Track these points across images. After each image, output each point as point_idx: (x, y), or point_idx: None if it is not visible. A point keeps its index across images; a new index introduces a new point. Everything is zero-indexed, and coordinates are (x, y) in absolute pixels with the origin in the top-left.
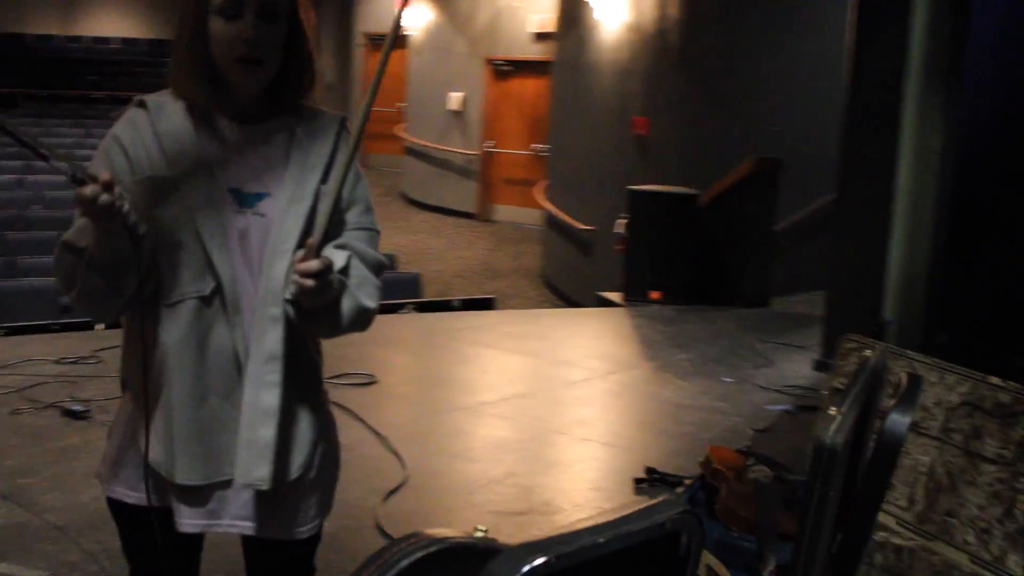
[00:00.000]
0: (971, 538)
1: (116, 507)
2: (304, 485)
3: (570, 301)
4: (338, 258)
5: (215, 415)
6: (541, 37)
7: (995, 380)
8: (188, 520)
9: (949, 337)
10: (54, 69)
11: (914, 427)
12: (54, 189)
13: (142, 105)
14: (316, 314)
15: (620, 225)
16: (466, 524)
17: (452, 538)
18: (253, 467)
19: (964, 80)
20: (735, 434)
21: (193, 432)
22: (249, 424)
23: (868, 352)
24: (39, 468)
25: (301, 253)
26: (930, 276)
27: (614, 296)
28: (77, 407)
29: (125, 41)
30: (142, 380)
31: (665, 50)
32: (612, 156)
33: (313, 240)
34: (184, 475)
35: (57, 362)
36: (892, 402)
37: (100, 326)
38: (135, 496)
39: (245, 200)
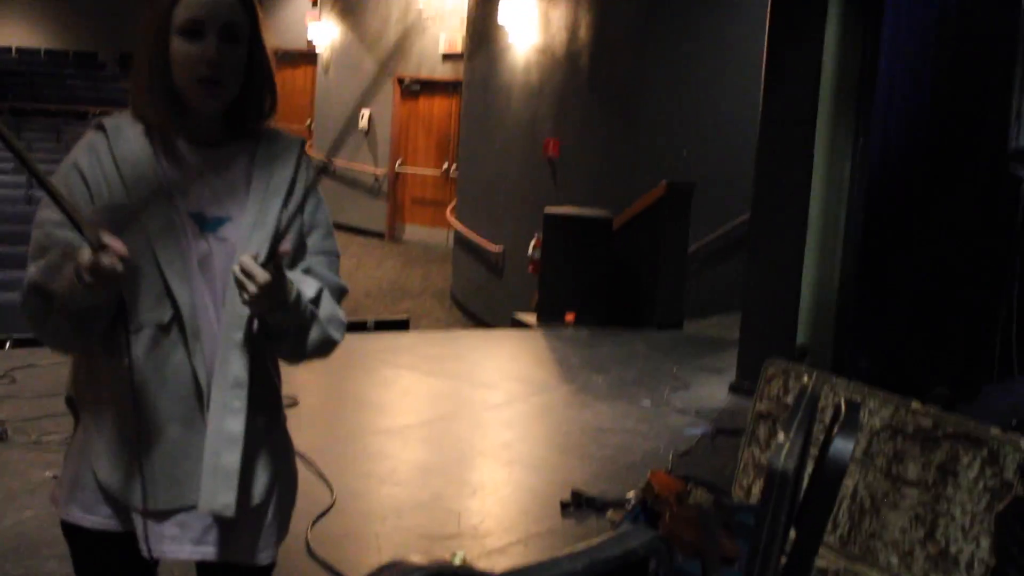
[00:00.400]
0: (894, 560)
1: (71, 530)
2: (265, 510)
3: (480, 321)
4: (309, 288)
5: (175, 442)
6: (450, 57)
7: (916, 404)
8: (151, 545)
9: (869, 362)
10: None
11: None
12: None
13: (100, 128)
14: (283, 336)
15: (533, 246)
16: (398, 548)
17: (432, 564)
18: (218, 494)
19: (873, 109)
20: (656, 457)
21: (153, 458)
22: (213, 451)
23: (804, 378)
24: None
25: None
26: (842, 300)
27: (528, 318)
28: None
29: (20, 51)
30: (100, 405)
31: (576, 72)
32: (523, 177)
33: (255, 253)
34: (143, 501)
35: None
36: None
37: (7, 344)
38: (92, 519)
39: (207, 225)
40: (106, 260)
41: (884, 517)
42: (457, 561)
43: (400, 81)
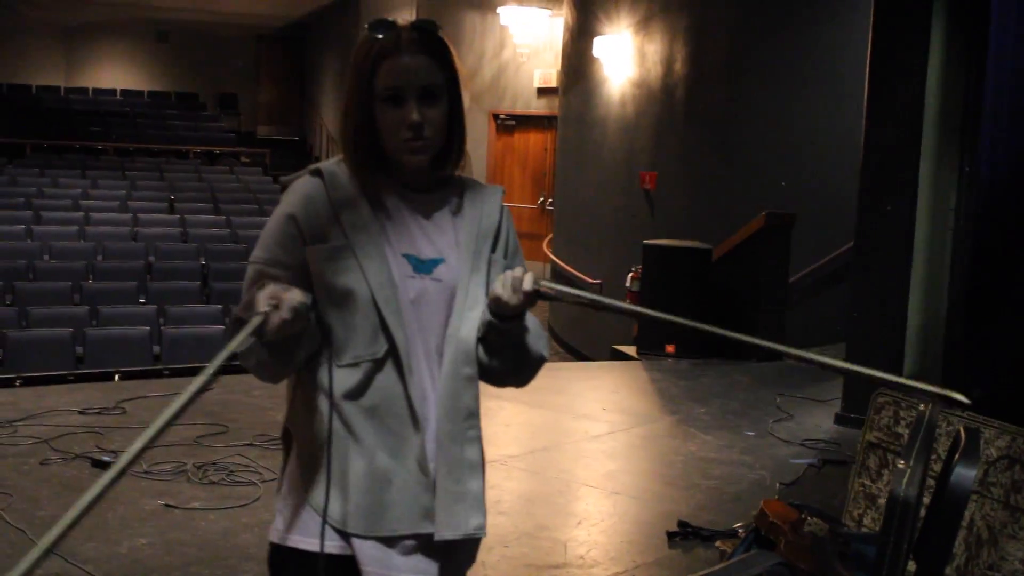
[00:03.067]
0: None
1: (289, 556)
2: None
3: (579, 354)
4: None
5: (383, 471)
6: (545, 92)
7: None
8: (370, 568)
9: (982, 392)
10: (59, 120)
11: None
12: (61, 239)
13: (318, 174)
14: (503, 344)
15: (630, 279)
16: None
17: None
18: (470, 518)
19: (980, 137)
20: (762, 488)
21: (362, 486)
22: (456, 478)
23: (920, 406)
24: None
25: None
26: (950, 329)
27: (628, 350)
28: (106, 458)
29: (125, 92)
30: (315, 435)
31: (672, 105)
32: (620, 210)
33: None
34: (353, 526)
35: (81, 412)
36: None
37: (117, 377)
38: (307, 542)
39: (422, 266)
40: (272, 324)
41: (1003, 548)
42: None
43: (495, 116)
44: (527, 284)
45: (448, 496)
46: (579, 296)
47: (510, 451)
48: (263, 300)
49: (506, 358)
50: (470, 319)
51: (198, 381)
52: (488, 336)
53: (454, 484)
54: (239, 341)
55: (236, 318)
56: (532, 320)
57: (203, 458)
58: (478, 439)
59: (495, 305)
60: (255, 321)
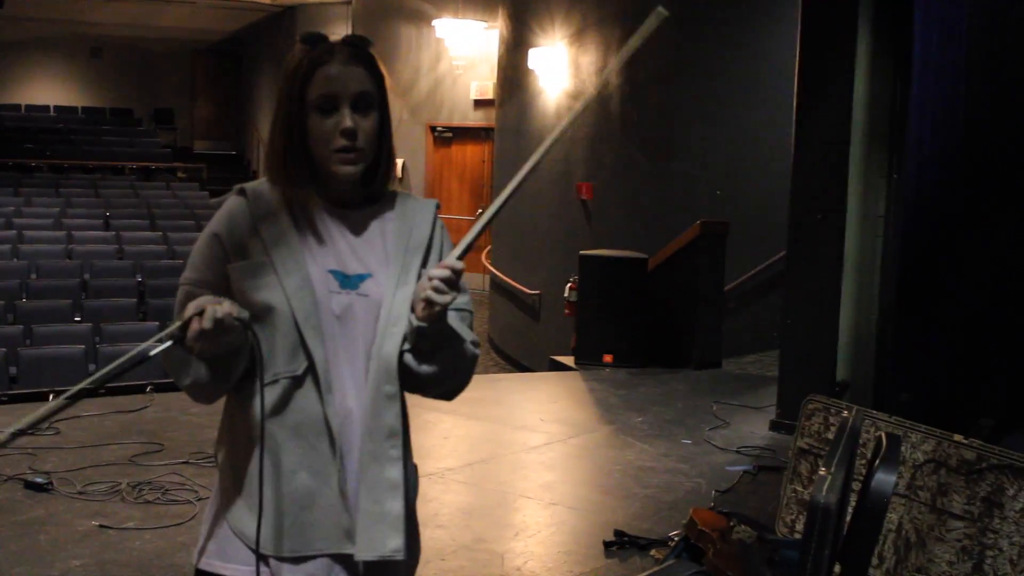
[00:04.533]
0: None
1: None
2: (410, 553)
3: (518, 365)
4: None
5: (304, 490)
6: (482, 104)
7: (959, 437)
8: None
9: (911, 396)
10: None
11: None
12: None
13: (242, 193)
14: (434, 348)
15: (568, 289)
16: None
17: None
18: (387, 539)
19: (906, 145)
20: (698, 495)
21: (283, 507)
22: (375, 499)
23: (844, 413)
24: (4, 542)
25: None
26: (881, 336)
27: (567, 360)
28: (39, 479)
29: (59, 109)
30: (237, 455)
31: (607, 116)
32: (558, 221)
33: (450, 257)
34: (271, 547)
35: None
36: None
37: (51, 397)
38: (229, 568)
39: (348, 282)
40: (192, 331)
41: (931, 550)
42: None
43: (433, 129)
44: (446, 271)
45: (367, 517)
46: (476, 233)
47: (448, 464)
48: (191, 308)
49: (443, 359)
50: (393, 335)
51: (102, 372)
52: (419, 344)
53: (373, 504)
54: (154, 343)
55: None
56: (459, 324)
57: (138, 477)
58: (400, 459)
59: (427, 310)
60: (173, 326)
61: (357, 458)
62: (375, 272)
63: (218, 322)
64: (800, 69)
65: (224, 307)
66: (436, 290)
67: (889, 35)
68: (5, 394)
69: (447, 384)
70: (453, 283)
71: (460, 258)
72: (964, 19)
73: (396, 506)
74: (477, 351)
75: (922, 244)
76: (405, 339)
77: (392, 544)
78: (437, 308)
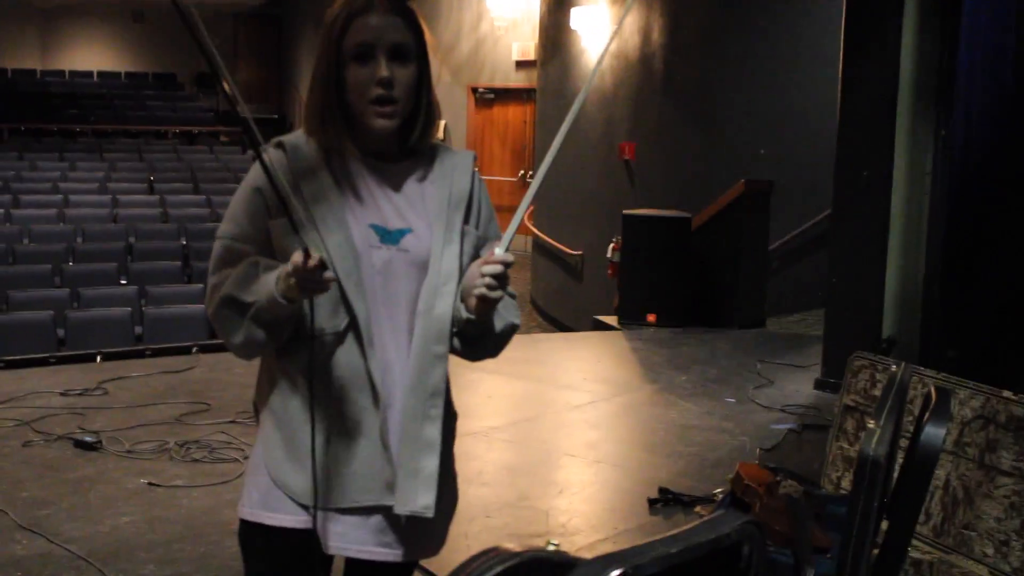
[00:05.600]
0: (990, 550)
1: (252, 529)
2: (446, 512)
3: (561, 326)
4: None
5: (346, 444)
6: (523, 65)
7: (1008, 394)
8: (336, 544)
9: (958, 353)
10: (36, 103)
11: None
12: (40, 223)
13: (280, 146)
14: (479, 336)
15: (611, 250)
16: (484, 546)
17: (528, 551)
18: (418, 496)
19: (954, 102)
20: (742, 453)
21: (324, 460)
22: (411, 455)
23: (892, 368)
24: (55, 499)
25: (486, 255)
26: (927, 293)
27: (610, 320)
28: (88, 438)
29: (102, 75)
30: (277, 410)
31: (650, 76)
32: (600, 182)
33: (498, 242)
34: (315, 499)
35: (63, 394)
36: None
37: (99, 358)
38: (272, 517)
39: (388, 236)
40: (318, 274)
41: (978, 507)
42: (551, 548)
43: (474, 90)
44: (498, 267)
45: (403, 471)
46: (518, 221)
47: (492, 423)
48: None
49: (484, 343)
50: (444, 295)
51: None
52: (467, 330)
53: (409, 460)
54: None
55: (228, 296)
56: (504, 302)
57: (185, 436)
58: (439, 418)
59: (480, 305)
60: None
61: (400, 412)
62: (416, 227)
63: (321, 286)
64: (846, 25)
65: (299, 256)
66: (489, 287)
67: None
68: (54, 356)
69: (483, 357)
70: (504, 277)
71: (507, 249)
72: None
73: (431, 464)
74: (517, 322)
75: (969, 201)
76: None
77: (423, 501)
78: (490, 303)
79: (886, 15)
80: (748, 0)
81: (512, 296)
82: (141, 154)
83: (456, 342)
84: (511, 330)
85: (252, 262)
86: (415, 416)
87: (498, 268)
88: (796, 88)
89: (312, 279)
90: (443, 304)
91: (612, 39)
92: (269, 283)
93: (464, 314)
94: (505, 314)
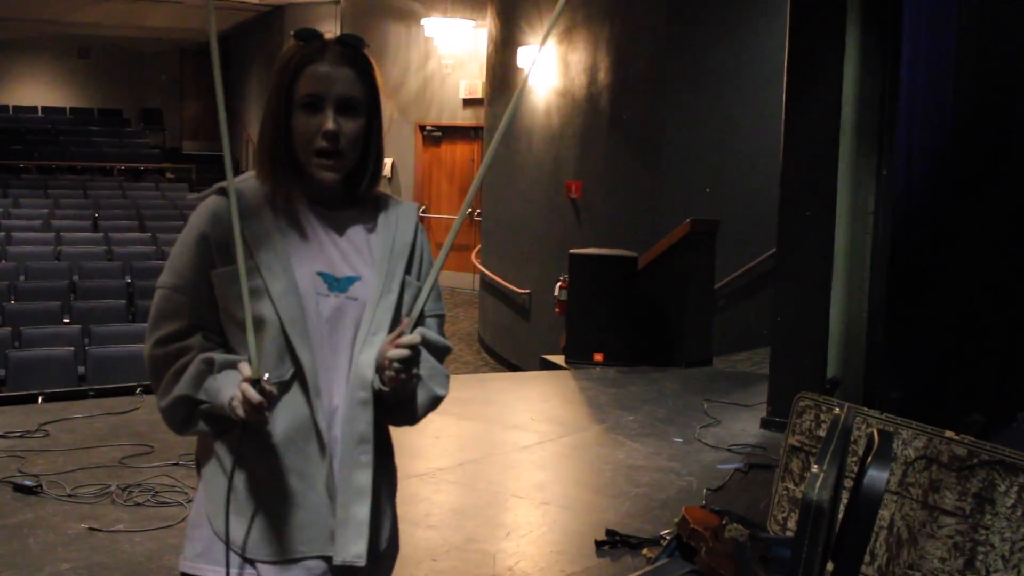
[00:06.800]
0: None
1: None
2: (384, 556)
3: (509, 364)
4: None
5: (292, 494)
6: (471, 103)
7: (950, 434)
8: None
9: (902, 393)
10: None
11: None
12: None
13: (223, 193)
14: (397, 405)
15: (559, 287)
16: None
17: None
18: (350, 544)
19: (895, 142)
20: (689, 494)
21: (270, 510)
22: (343, 504)
23: (836, 410)
24: None
25: (397, 331)
26: (871, 333)
27: (557, 359)
28: (28, 482)
29: (47, 110)
30: (221, 460)
31: (596, 114)
32: (547, 220)
33: (408, 318)
34: (257, 552)
35: (3, 436)
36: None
37: (40, 399)
38: (213, 570)
39: (336, 284)
40: (259, 399)
41: (922, 547)
42: None
43: (422, 128)
44: (405, 352)
45: (338, 520)
46: (434, 277)
47: (439, 463)
48: (237, 405)
49: (401, 412)
50: (372, 344)
51: None
52: (385, 400)
53: (341, 509)
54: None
55: (182, 397)
56: (427, 363)
57: (128, 479)
58: (369, 465)
59: (393, 383)
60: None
61: (339, 460)
62: (364, 275)
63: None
64: (789, 66)
65: (251, 392)
66: (396, 371)
67: (878, 32)
68: None
69: (400, 424)
70: (412, 361)
71: (427, 299)
72: (953, 15)
73: (362, 512)
74: (442, 394)
75: (912, 241)
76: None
77: (354, 550)
78: (401, 383)
79: (827, 57)
80: (694, 40)
81: (443, 359)
82: (86, 191)
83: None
84: (434, 403)
85: (205, 359)
86: (346, 463)
87: (404, 353)
88: (741, 127)
89: (256, 415)
90: (368, 353)
91: (543, 43)
92: (222, 393)
93: (377, 385)
94: (431, 385)
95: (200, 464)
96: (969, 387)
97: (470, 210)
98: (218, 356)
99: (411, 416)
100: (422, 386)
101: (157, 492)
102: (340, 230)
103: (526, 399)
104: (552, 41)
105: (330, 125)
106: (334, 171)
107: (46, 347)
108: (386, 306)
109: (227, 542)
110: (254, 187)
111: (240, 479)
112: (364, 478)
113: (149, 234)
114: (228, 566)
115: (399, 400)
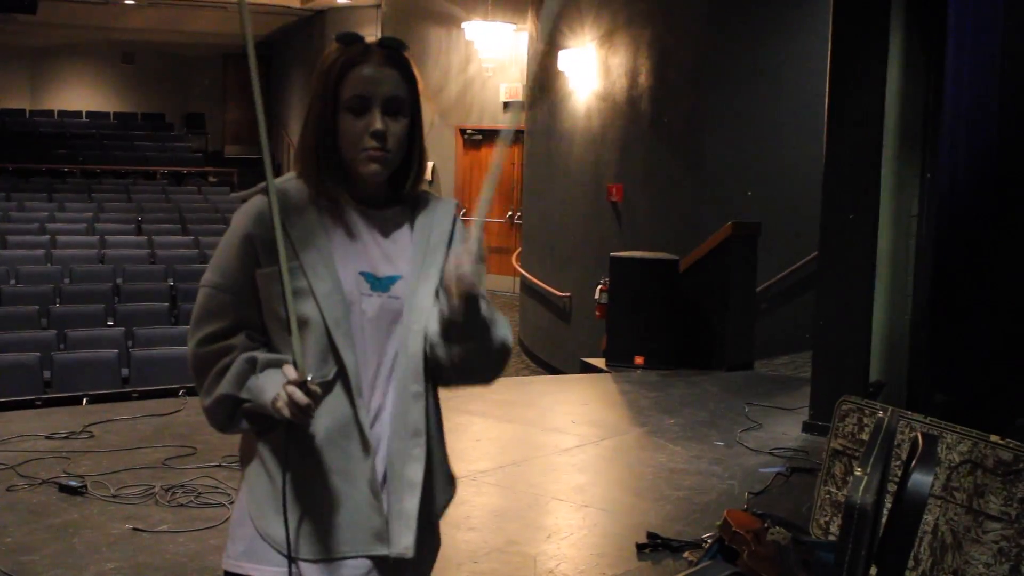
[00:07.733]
0: None
1: None
2: (429, 554)
3: (549, 367)
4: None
5: (335, 494)
6: (511, 106)
7: (995, 438)
8: None
9: (945, 397)
10: (24, 143)
11: None
12: (27, 263)
13: (265, 192)
14: (470, 339)
15: (599, 291)
16: None
17: None
18: (400, 536)
19: (939, 144)
20: (731, 497)
21: (312, 509)
22: (397, 496)
23: (879, 413)
24: (39, 545)
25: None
26: (915, 336)
27: (597, 362)
28: (73, 482)
29: (91, 115)
30: (264, 460)
31: (637, 117)
32: (588, 223)
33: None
34: (301, 551)
35: (48, 437)
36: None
37: (85, 400)
38: (258, 569)
39: (378, 283)
40: (307, 401)
41: (967, 552)
42: None
43: (462, 131)
44: (468, 266)
45: (391, 514)
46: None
47: (480, 466)
48: (281, 404)
49: (475, 357)
50: (416, 332)
51: None
52: (449, 331)
53: (396, 502)
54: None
55: (224, 396)
56: (488, 309)
57: (171, 480)
58: (421, 458)
59: (459, 285)
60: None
61: (385, 458)
62: (405, 274)
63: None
64: (832, 69)
65: (298, 395)
66: (462, 279)
67: (922, 33)
68: (39, 398)
69: (476, 375)
70: (478, 253)
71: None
72: (999, 16)
73: (411, 505)
74: (509, 341)
75: (956, 244)
76: (426, 339)
77: (404, 542)
78: (467, 284)
79: (871, 58)
80: (734, 42)
81: (495, 314)
82: (130, 194)
83: (444, 354)
84: (504, 350)
85: (248, 358)
86: (399, 457)
87: (473, 247)
88: (785, 129)
89: (303, 416)
90: (415, 343)
91: (543, 42)
92: (265, 393)
93: (445, 312)
94: (499, 327)
95: (243, 462)
96: (1015, 391)
97: (511, 213)
98: (261, 355)
99: (486, 362)
100: (493, 324)
101: (200, 493)
102: (383, 229)
103: (566, 402)
104: (593, 44)
105: (378, 125)
106: (382, 164)
107: (90, 349)
108: (424, 294)
109: (288, 541)
110: (298, 187)
111: (284, 478)
112: (415, 471)
113: (192, 237)
114: (291, 565)
115: (473, 329)
